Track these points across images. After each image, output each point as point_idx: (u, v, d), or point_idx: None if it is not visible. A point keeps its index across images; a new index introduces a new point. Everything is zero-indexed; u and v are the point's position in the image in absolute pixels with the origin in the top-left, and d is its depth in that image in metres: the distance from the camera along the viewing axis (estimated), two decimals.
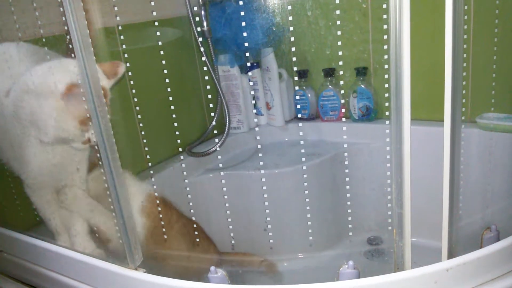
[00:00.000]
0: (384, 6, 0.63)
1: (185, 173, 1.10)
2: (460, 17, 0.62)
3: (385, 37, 0.64)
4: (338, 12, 0.71)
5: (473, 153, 1.09)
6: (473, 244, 0.74)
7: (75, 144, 0.81)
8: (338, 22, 0.82)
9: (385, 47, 0.64)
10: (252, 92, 1.49)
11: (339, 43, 1.32)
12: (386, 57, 0.65)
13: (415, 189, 0.68)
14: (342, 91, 1.46)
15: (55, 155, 0.84)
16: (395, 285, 0.65)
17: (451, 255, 0.68)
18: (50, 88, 0.76)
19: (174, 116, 0.84)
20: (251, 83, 1.48)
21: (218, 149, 1.27)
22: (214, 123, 1.40)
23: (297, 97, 1.51)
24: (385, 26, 0.63)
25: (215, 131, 1.42)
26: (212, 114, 1.39)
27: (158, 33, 0.89)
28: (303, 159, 1.23)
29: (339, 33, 1.26)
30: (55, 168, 0.85)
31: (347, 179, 1.04)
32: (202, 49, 1.25)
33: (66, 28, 0.68)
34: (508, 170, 1.05)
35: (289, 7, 1.33)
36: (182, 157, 1.19)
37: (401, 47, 0.63)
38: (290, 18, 1.37)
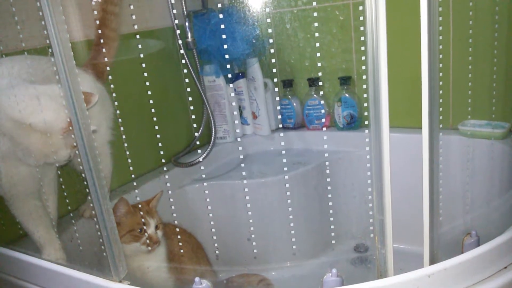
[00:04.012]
0: (361, 18, 0.64)
1: (168, 184, 1.10)
2: (435, 27, 0.64)
3: (363, 48, 0.65)
4: (316, 24, 0.72)
5: (455, 159, 1.11)
6: (454, 249, 0.75)
7: (63, 163, 0.83)
8: (317, 34, 0.83)
9: (363, 57, 0.66)
10: (234, 103, 1.50)
11: (323, 53, 1.36)
12: (364, 67, 0.66)
13: (397, 196, 0.69)
14: (325, 101, 1.47)
15: (25, 168, 0.84)
16: None
17: (432, 261, 0.69)
18: (47, 128, 0.77)
19: (157, 127, 0.84)
20: (232, 94, 1.49)
21: (201, 159, 1.27)
22: (196, 134, 1.41)
23: (282, 107, 1.53)
24: (362, 38, 0.65)
25: (201, 142, 1.42)
26: (195, 125, 1.40)
27: (141, 45, 0.90)
28: (285, 168, 1.24)
29: (321, 43, 1.29)
30: (28, 178, 0.85)
31: (331, 187, 1.05)
32: (183, 61, 1.25)
33: (48, 41, 0.69)
34: (488, 176, 1.07)
35: (272, 19, 1.36)
36: (165, 168, 1.19)
37: (378, 58, 0.64)
38: (273, 29, 1.40)
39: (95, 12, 0.92)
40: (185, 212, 1.19)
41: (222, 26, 1.32)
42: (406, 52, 0.84)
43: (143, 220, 0.90)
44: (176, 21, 1.25)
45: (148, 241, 0.90)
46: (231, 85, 1.49)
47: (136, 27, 0.80)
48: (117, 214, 0.90)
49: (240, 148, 1.46)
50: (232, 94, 1.49)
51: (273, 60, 1.37)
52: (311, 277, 0.73)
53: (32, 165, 0.82)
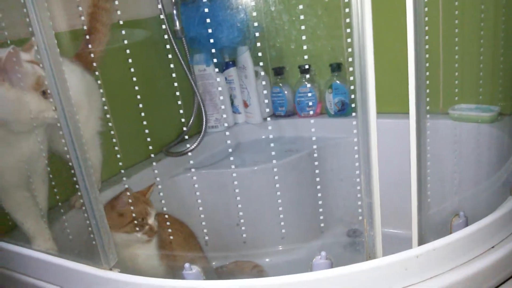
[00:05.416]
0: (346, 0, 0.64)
1: (156, 171, 1.10)
2: (421, 9, 0.64)
3: (348, 30, 0.65)
4: (301, 7, 0.72)
5: (445, 143, 1.11)
6: (443, 231, 0.76)
7: (50, 114, 0.78)
8: (302, 17, 0.82)
9: (349, 40, 0.65)
10: (221, 89, 1.49)
11: (313, 40, 1.35)
12: (350, 50, 0.66)
13: (386, 181, 0.69)
14: (316, 88, 1.47)
15: (15, 152, 0.83)
16: (366, 273, 0.66)
17: (421, 242, 0.69)
18: None
19: (147, 118, 0.84)
20: (220, 81, 1.48)
21: (191, 147, 1.26)
22: (183, 120, 1.40)
23: (273, 95, 1.52)
24: (347, 20, 0.64)
25: (193, 131, 1.42)
26: (186, 114, 1.39)
27: (130, 35, 0.89)
28: (276, 155, 1.23)
29: (312, 30, 1.29)
30: (15, 168, 0.84)
31: (323, 174, 1.05)
32: (168, 46, 1.24)
33: (30, 29, 0.68)
34: (477, 159, 1.07)
35: (262, 6, 1.35)
36: (153, 155, 1.18)
37: (364, 42, 0.64)
38: (263, 17, 1.38)
39: (79, 2, 0.91)
40: (177, 201, 1.19)
41: (212, 14, 1.31)
42: (393, 36, 0.84)
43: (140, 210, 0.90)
44: (163, 8, 1.23)
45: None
46: (220, 73, 1.48)
47: (124, 16, 0.79)
48: (122, 204, 0.89)
49: (227, 133, 1.46)
50: (221, 82, 1.48)
51: (263, 47, 1.36)
52: (305, 262, 0.74)
53: (26, 131, 0.81)
